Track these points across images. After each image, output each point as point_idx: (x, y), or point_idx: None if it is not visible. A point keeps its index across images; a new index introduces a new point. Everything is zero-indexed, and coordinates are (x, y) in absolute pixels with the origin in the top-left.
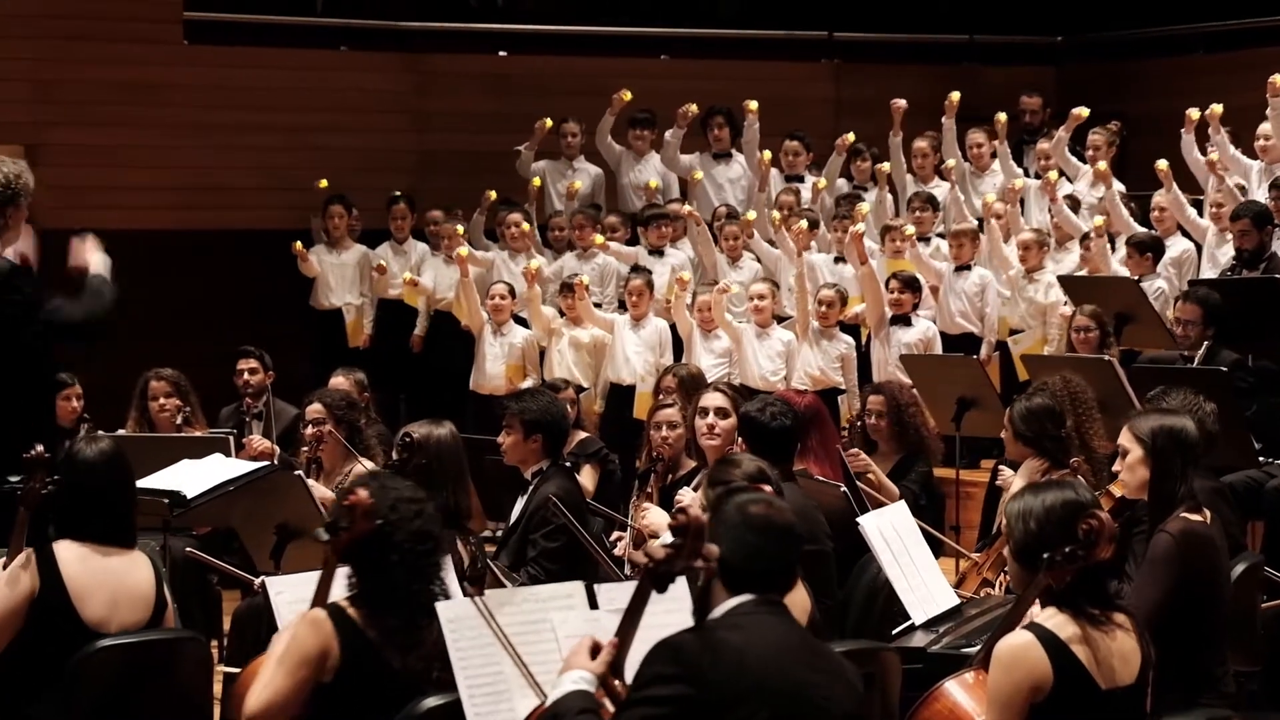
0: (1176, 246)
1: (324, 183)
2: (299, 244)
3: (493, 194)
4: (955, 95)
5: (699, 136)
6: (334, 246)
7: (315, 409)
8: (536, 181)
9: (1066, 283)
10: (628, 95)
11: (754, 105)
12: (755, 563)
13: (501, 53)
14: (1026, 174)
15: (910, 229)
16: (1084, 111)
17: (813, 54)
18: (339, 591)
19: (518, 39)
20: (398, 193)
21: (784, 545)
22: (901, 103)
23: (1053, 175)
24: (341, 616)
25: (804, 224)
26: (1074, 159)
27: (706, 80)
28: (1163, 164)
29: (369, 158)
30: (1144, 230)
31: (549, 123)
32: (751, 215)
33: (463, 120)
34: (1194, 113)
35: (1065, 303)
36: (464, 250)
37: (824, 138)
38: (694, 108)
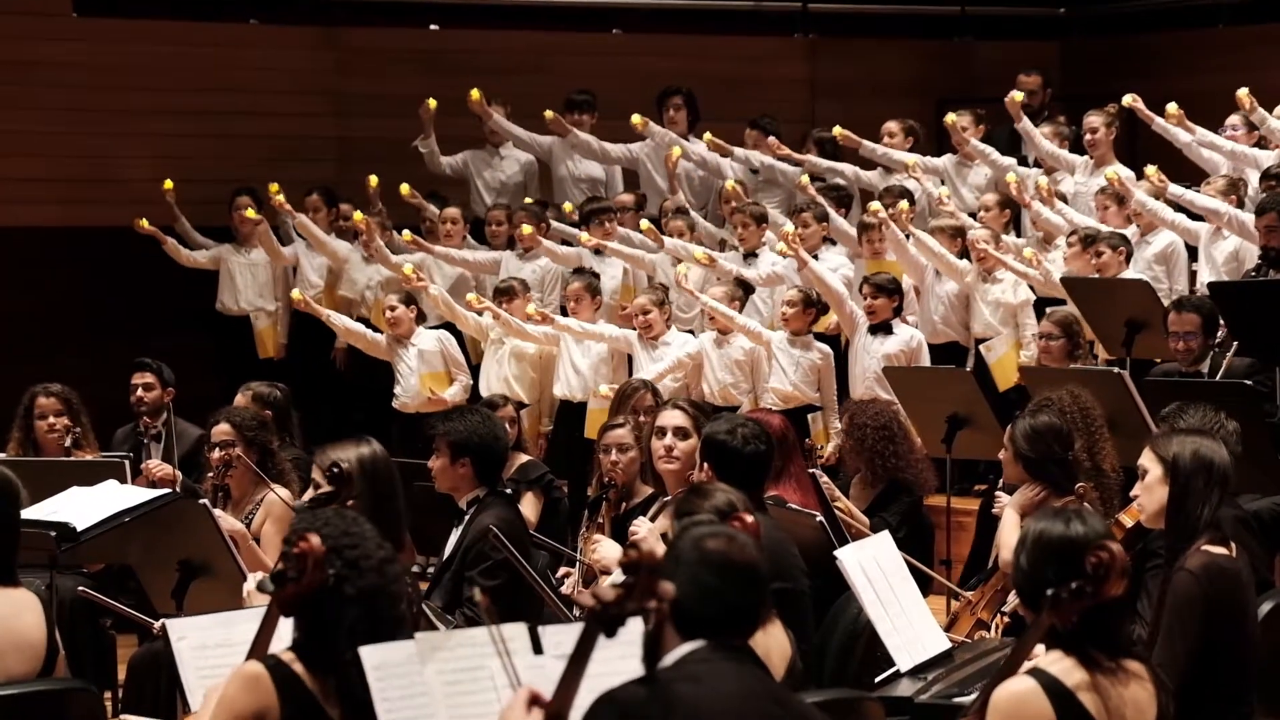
0: (1160, 240)
1: (169, 184)
2: (144, 221)
3: (374, 179)
4: (839, 129)
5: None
6: (243, 245)
7: (222, 430)
8: (374, 180)
9: (1070, 284)
10: (433, 103)
11: (639, 119)
12: (710, 605)
13: (433, 26)
14: (1025, 163)
15: (876, 204)
16: (1018, 95)
17: (784, 27)
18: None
19: (450, 11)
20: (262, 188)
21: (745, 586)
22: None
23: (1011, 178)
24: (283, 672)
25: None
26: (1063, 154)
27: (663, 57)
28: (1111, 172)
29: (282, 146)
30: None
31: (433, 104)
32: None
33: (388, 103)
34: (1128, 98)
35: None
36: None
37: (796, 123)
38: (550, 113)
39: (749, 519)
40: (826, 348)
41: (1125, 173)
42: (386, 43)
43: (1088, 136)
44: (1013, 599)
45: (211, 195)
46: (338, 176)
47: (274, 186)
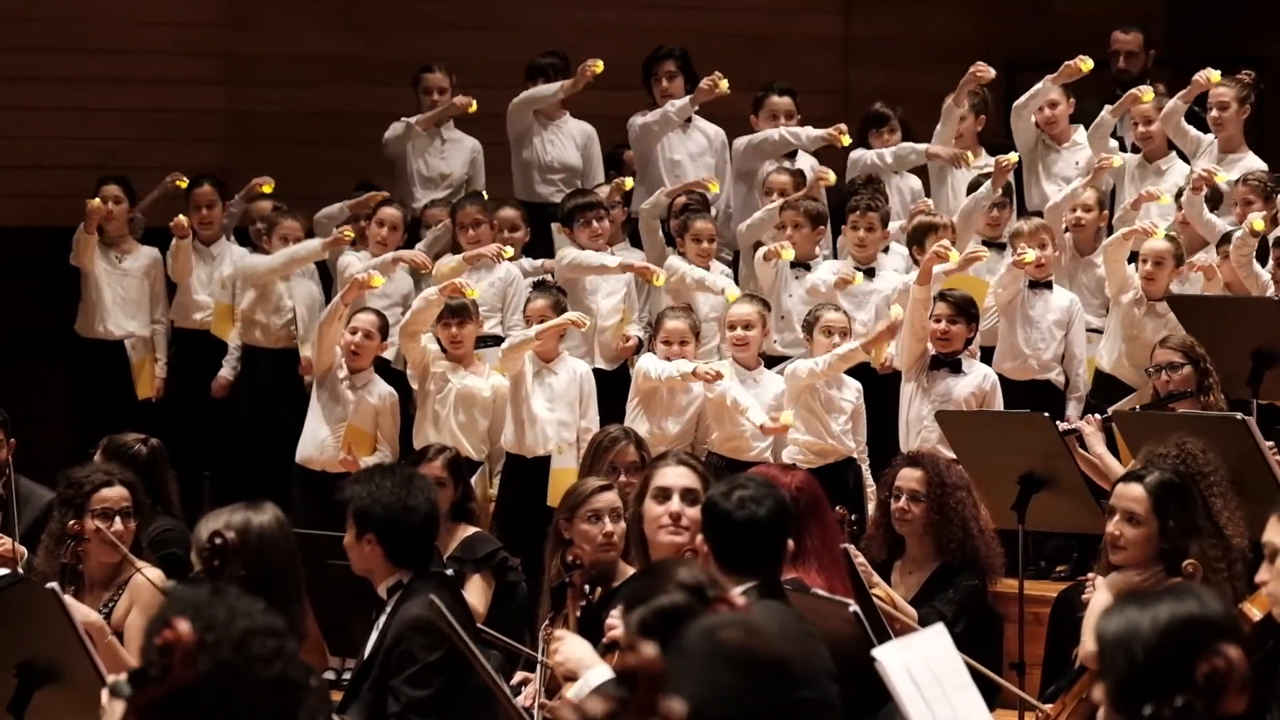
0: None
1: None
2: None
3: (268, 186)
4: (984, 68)
5: (640, 92)
6: (111, 248)
7: (119, 495)
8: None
9: (1178, 305)
10: (599, 67)
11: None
12: (730, 713)
13: None
14: (1122, 146)
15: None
16: (1214, 75)
17: None
18: None
19: None
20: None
21: (771, 688)
22: (989, 72)
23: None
24: None
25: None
26: (1190, 128)
27: (657, 9)
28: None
29: (160, 121)
30: None
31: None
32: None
33: (294, 67)
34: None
35: None
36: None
37: (828, 93)
38: (725, 84)
39: (739, 602)
40: (858, 384)
41: (1259, 164)
42: None
43: (1214, 113)
44: (1104, 713)
45: (62, 186)
46: (228, 161)
47: (266, 185)
